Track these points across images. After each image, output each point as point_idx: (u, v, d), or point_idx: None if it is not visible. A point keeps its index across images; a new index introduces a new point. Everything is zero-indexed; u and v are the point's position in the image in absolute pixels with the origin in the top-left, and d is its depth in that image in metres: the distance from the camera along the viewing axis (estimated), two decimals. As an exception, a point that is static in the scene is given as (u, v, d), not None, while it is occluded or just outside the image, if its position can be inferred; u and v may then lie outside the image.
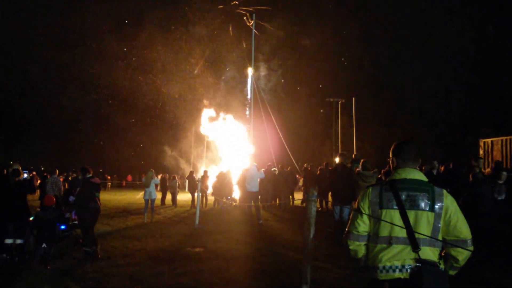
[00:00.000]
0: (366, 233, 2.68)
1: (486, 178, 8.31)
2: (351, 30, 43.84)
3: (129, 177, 44.08)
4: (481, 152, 14.95)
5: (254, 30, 20.25)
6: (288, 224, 12.36)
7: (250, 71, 20.37)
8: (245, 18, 20.49)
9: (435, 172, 10.75)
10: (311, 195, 4.74)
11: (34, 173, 25.07)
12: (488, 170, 13.38)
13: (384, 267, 2.50)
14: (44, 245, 7.20)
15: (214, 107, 27.63)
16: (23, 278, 6.17)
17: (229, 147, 25.41)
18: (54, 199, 8.06)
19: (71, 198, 10.94)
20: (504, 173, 8.56)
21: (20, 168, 8.08)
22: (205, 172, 19.37)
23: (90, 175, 7.90)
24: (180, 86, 31.19)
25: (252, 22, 19.83)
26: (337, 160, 10.33)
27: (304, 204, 14.50)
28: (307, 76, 44.57)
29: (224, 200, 17.30)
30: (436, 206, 2.52)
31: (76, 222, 8.27)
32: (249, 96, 19.85)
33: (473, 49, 41.58)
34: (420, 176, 2.64)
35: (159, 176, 20.88)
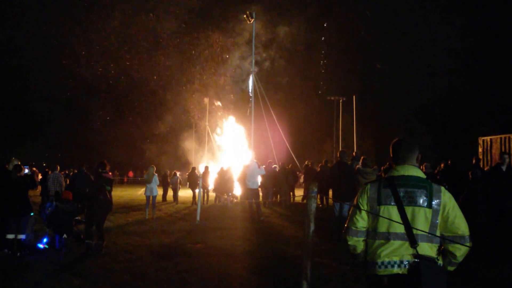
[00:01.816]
0: (364, 229, 2.71)
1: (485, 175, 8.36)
2: (352, 28, 43.84)
3: (131, 173, 44.18)
4: (480, 150, 14.96)
5: (254, 28, 20.19)
6: (289, 220, 12.40)
7: (252, 69, 20.38)
8: (245, 16, 20.39)
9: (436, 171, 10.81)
10: (311, 192, 4.76)
11: (35, 169, 25.10)
12: (487, 168, 13.43)
13: (382, 263, 2.53)
14: (64, 235, 7.51)
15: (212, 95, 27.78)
16: (24, 273, 6.21)
17: (230, 142, 25.42)
18: (71, 194, 8.21)
19: None
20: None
21: (19, 162, 8.12)
22: (206, 168, 19.40)
23: (105, 170, 8.00)
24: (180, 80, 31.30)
25: (253, 20, 19.75)
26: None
27: (304, 201, 14.54)
28: (308, 74, 44.57)
29: (225, 196, 17.34)
30: (434, 203, 2.54)
31: (78, 218, 8.34)
32: (251, 94, 19.86)
33: (472, 48, 41.55)
34: (418, 173, 2.66)
35: (167, 173, 20.94)
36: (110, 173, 8.47)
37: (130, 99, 37.07)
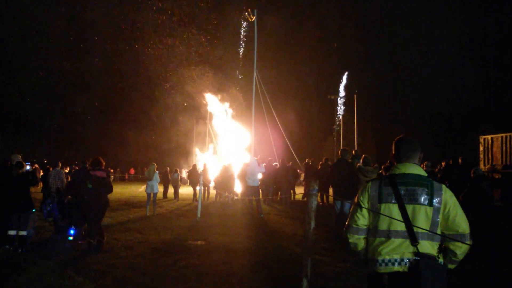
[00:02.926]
0: (365, 227, 2.72)
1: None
2: (353, 27, 43.75)
3: (132, 171, 44.20)
4: (481, 148, 14.97)
5: (256, 26, 20.10)
6: (289, 218, 12.42)
7: (254, 72, 20.32)
8: (246, 14, 20.28)
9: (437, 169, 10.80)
10: (312, 189, 4.77)
11: (37, 165, 25.17)
12: (488, 166, 13.43)
13: (383, 261, 2.54)
14: (73, 227, 7.72)
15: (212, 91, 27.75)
16: (26, 269, 6.23)
17: (230, 138, 25.34)
18: None
19: None
20: None
21: (20, 158, 8.12)
22: (205, 165, 19.43)
23: (99, 167, 7.68)
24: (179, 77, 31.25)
25: (254, 18, 19.66)
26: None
27: (305, 199, 14.53)
28: (310, 71, 44.56)
29: (226, 194, 17.37)
30: (435, 201, 2.55)
31: None
32: (253, 94, 19.76)
33: (473, 47, 41.48)
34: (420, 171, 2.67)
35: (168, 170, 20.97)
36: (112, 170, 8.38)
37: (120, 89, 37.19)
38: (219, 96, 26.42)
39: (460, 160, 11.98)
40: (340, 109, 37.70)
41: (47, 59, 35.07)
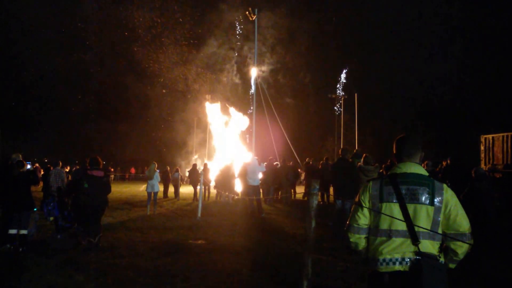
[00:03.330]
0: (366, 226, 2.72)
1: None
2: (354, 26, 43.74)
3: (133, 170, 44.19)
4: (482, 148, 14.98)
5: (256, 25, 20.08)
6: (289, 217, 12.41)
7: (254, 71, 20.31)
8: (247, 12, 20.25)
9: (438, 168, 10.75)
10: (312, 188, 4.77)
11: (37, 165, 25.19)
12: (488, 166, 13.43)
13: (384, 260, 2.54)
14: (76, 225, 7.78)
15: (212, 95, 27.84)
16: (26, 268, 6.24)
17: (230, 138, 25.35)
18: None
19: None
20: None
21: (21, 157, 8.13)
22: (205, 165, 19.44)
23: (96, 167, 7.67)
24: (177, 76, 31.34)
25: (255, 17, 19.64)
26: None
27: (305, 198, 14.53)
28: (310, 71, 44.53)
29: (226, 193, 17.37)
30: (436, 200, 2.55)
31: None
32: (252, 91, 19.85)
33: (475, 46, 41.42)
34: (421, 171, 2.67)
35: (168, 169, 20.97)
36: (112, 169, 8.39)
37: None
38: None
39: (448, 161, 11.91)
40: (340, 108, 37.66)
41: (45, 58, 35.18)
